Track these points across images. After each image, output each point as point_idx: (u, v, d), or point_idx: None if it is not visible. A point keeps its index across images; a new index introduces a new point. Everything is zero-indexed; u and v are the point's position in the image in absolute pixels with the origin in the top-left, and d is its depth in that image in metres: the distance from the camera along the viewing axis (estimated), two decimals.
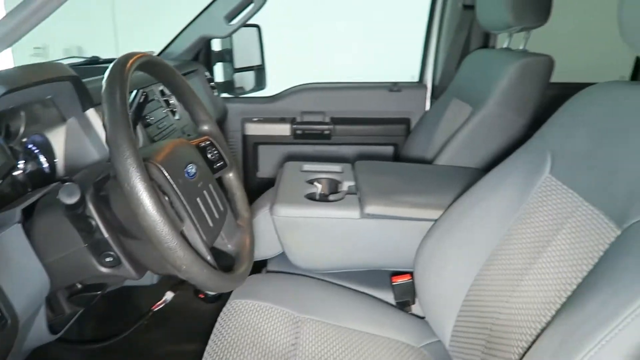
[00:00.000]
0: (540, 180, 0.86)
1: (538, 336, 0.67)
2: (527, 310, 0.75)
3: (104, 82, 0.65)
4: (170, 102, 1.38)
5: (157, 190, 0.61)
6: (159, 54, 1.83)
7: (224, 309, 1.02)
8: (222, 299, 1.32)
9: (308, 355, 0.91)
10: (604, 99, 0.82)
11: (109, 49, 3.34)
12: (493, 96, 1.39)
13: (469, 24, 1.87)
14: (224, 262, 0.83)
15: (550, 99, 1.53)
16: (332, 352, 0.93)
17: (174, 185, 0.71)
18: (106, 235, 0.71)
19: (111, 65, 0.68)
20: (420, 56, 2.08)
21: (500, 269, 0.85)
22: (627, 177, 0.68)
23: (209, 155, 0.90)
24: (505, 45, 1.64)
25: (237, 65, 2.01)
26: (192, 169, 0.79)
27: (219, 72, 2.05)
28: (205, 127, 0.94)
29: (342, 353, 0.93)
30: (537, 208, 0.84)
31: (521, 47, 1.52)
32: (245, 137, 2.03)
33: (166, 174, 0.71)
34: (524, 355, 0.68)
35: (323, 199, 1.22)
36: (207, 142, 0.91)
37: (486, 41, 1.93)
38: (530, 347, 0.68)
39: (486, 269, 0.89)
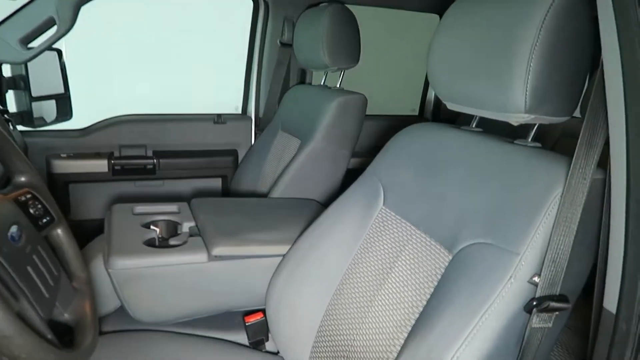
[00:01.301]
0: (376, 212, 0.96)
1: (396, 359, 0.74)
2: (380, 335, 0.82)
3: None
4: None
5: None
6: None
7: None
8: None
9: None
10: (422, 139, 0.96)
11: None
12: (318, 131, 1.50)
13: (288, 60, 1.98)
14: (62, 335, 0.71)
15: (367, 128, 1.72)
16: None
17: None
18: None
19: None
20: (243, 89, 2.12)
21: (350, 297, 0.92)
22: (451, 208, 0.80)
23: (31, 211, 0.77)
24: (322, 82, 1.79)
25: (35, 93, 1.75)
26: (15, 231, 0.66)
27: (11, 102, 1.76)
28: (24, 178, 0.80)
29: None
30: (377, 238, 0.93)
31: (338, 85, 1.68)
32: (52, 176, 1.77)
33: None
34: None
35: (163, 243, 1.14)
36: (28, 196, 0.78)
37: (304, 76, 2.07)
38: None
39: (336, 299, 0.94)
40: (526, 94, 0.69)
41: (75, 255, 0.84)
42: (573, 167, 0.64)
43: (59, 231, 0.83)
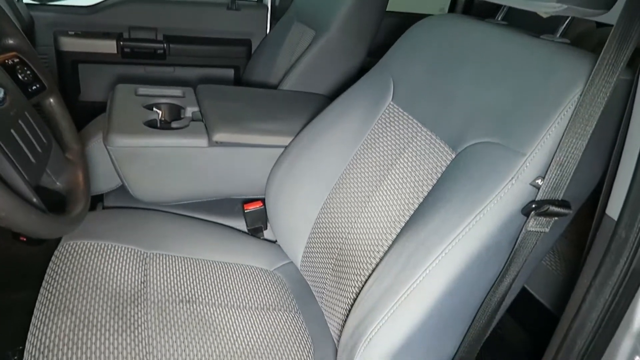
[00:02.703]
0: (383, 107, 0.91)
1: (386, 253, 0.74)
2: (374, 229, 0.81)
3: None
4: None
5: None
6: None
7: (56, 253, 0.90)
8: (48, 241, 1.17)
9: (160, 292, 0.87)
10: (440, 31, 0.88)
11: None
12: (335, 21, 1.40)
13: None
14: (55, 202, 0.72)
15: (385, 27, 1.61)
16: (185, 285, 0.90)
17: None
18: None
19: None
20: None
21: (348, 192, 0.90)
22: (461, 105, 0.75)
23: (19, 76, 0.74)
24: None
25: None
26: None
27: None
28: (11, 41, 0.76)
29: (196, 285, 0.91)
30: (381, 134, 0.89)
31: None
32: (60, 54, 1.73)
33: None
34: (373, 270, 0.74)
35: (165, 126, 1.12)
36: (16, 60, 0.74)
37: None
38: (379, 263, 0.74)
39: (335, 193, 0.93)
40: None
41: (68, 126, 0.82)
42: (600, 62, 0.57)
43: (51, 100, 0.80)
